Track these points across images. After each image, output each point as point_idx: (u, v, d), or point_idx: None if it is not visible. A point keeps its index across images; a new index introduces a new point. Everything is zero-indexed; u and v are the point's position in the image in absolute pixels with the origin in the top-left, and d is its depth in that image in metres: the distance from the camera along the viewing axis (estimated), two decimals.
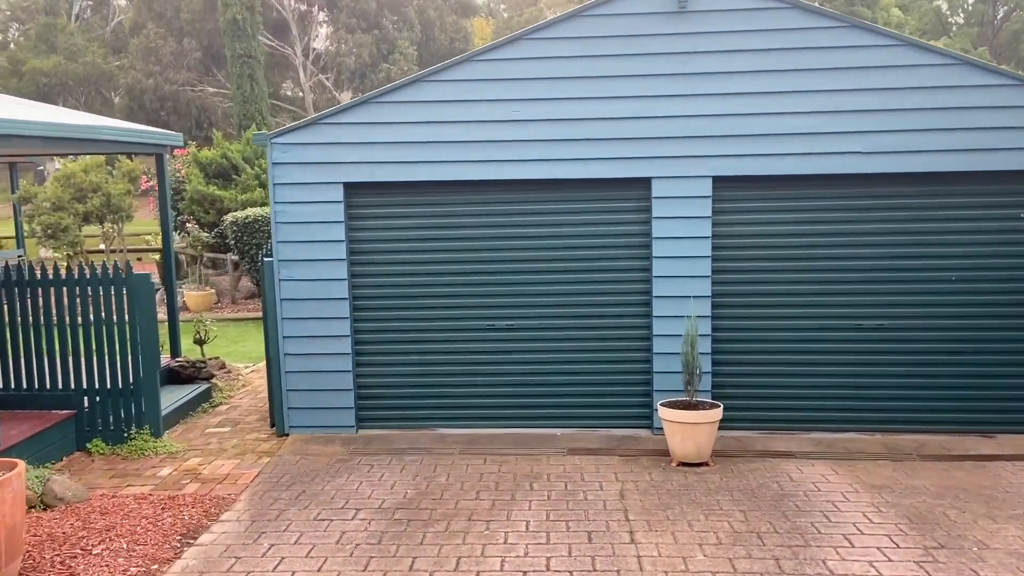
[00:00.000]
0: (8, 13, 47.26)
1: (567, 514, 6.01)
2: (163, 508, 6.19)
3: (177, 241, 18.85)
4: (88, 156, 19.60)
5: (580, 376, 7.94)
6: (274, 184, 7.78)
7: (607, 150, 7.50)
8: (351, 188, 7.82)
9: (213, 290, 17.32)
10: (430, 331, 8.00)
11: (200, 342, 10.49)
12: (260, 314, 12.92)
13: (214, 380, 9.88)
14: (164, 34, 32.98)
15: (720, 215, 7.60)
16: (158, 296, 17.57)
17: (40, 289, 7.71)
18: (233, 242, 16.37)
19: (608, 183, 7.67)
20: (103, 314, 7.69)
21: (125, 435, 7.74)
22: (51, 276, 7.70)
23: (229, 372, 10.74)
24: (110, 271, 7.70)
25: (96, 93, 34.73)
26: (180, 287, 17.51)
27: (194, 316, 11.21)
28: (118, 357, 7.73)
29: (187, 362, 9.59)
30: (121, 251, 19.23)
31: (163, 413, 8.31)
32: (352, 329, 7.95)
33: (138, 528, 5.78)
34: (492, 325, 7.95)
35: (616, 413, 7.96)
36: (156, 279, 7.93)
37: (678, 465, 7.00)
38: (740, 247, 7.68)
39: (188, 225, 17.70)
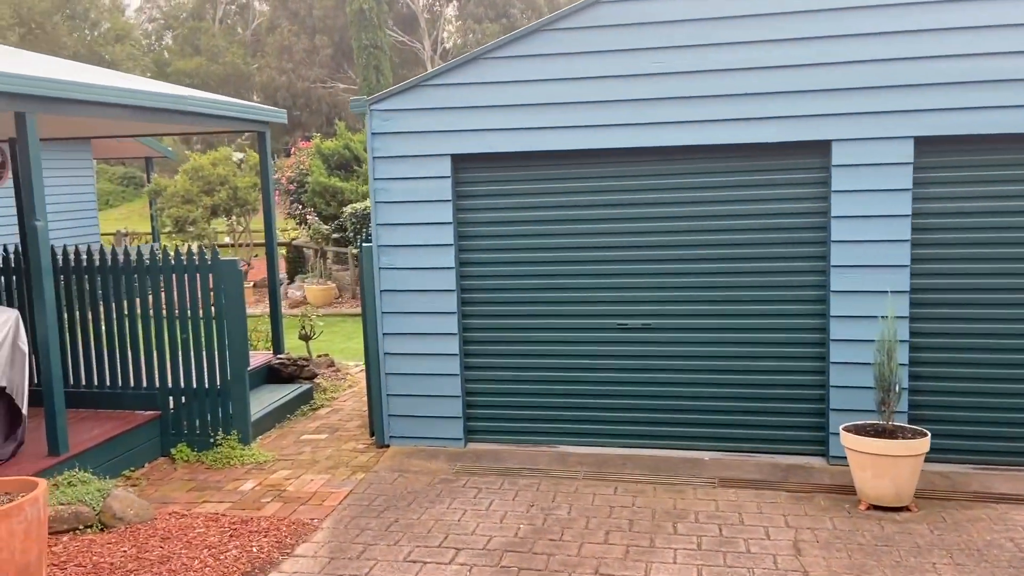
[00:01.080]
0: (162, 22, 49.89)
1: (725, 573, 4.59)
2: (232, 535, 5.23)
3: (302, 235, 18.54)
4: (216, 149, 19.66)
5: (733, 388, 6.45)
6: (373, 158, 6.74)
7: (773, 107, 5.98)
8: (460, 161, 6.67)
9: (334, 284, 16.79)
10: (550, 330, 6.73)
11: (305, 338, 9.69)
12: None
13: (317, 380, 9.04)
14: (297, 31, 33.43)
15: (924, 187, 5.92)
16: (283, 289, 17.38)
17: (122, 277, 7.01)
18: (352, 234, 15.77)
19: (773, 149, 6.15)
20: (188, 304, 6.91)
21: (211, 440, 6.92)
22: (133, 263, 6.99)
23: (337, 371, 9.90)
24: (195, 256, 6.90)
25: (235, 92, 35.71)
26: (302, 281, 17.14)
27: (302, 310, 10.48)
28: (204, 353, 6.93)
29: (288, 360, 8.77)
30: (247, 245, 19.16)
31: (258, 415, 7.50)
32: (460, 326, 6.80)
33: (196, 563, 4.83)
34: (624, 324, 6.60)
35: (780, 436, 6.41)
36: (243, 266, 7.05)
37: (868, 508, 5.42)
38: (950, 228, 5.96)
39: (309, 218, 17.28)
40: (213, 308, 6.89)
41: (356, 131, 20.33)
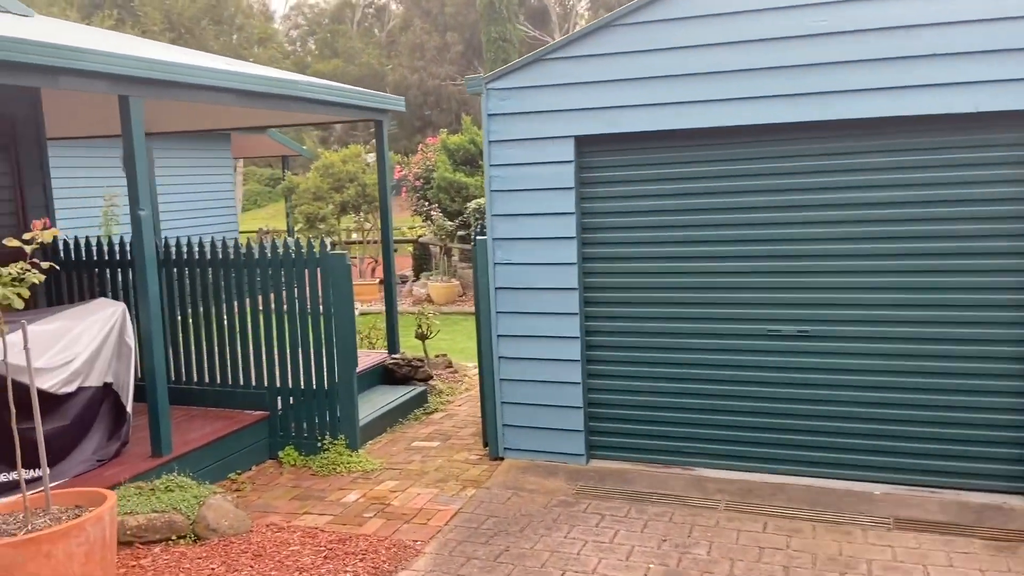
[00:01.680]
0: (306, 28, 51.84)
1: None
2: (327, 556, 4.73)
3: (427, 231, 18.34)
4: (348, 147, 19.82)
5: (910, 409, 5.40)
6: (489, 142, 6.12)
7: (963, 70, 4.90)
8: (585, 143, 5.95)
9: (458, 282, 16.46)
10: (688, 335, 5.89)
11: (422, 337, 9.25)
12: None
13: (433, 382, 8.55)
14: (429, 29, 33.64)
15: None
16: (407, 286, 17.23)
17: (231, 271, 6.72)
18: (475, 230, 15.34)
19: (965, 121, 5.06)
20: (296, 300, 6.54)
21: (319, 445, 6.53)
22: (242, 256, 6.68)
23: (455, 372, 9.40)
24: (303, 249, 6.52)
25: None
26: (427, 279, 16.92)
27: (418, 308, 10.06)
28: (312, 351, 6.54)
29: (403, 360, 8.33)
30: (374, 242, 19.18)
31: (368, 419, 7.07)
32: (583, 329, 6.07)
33: None
34: (776, 331, 5.67)
35: (969, 468, 5.30)
36: (349, 259, 6.62)
37: None
38: None
39: (433, 214, 17.01)
40: (321, 304, 6.49)
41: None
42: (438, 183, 17.04)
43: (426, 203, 17.94)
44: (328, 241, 17.82)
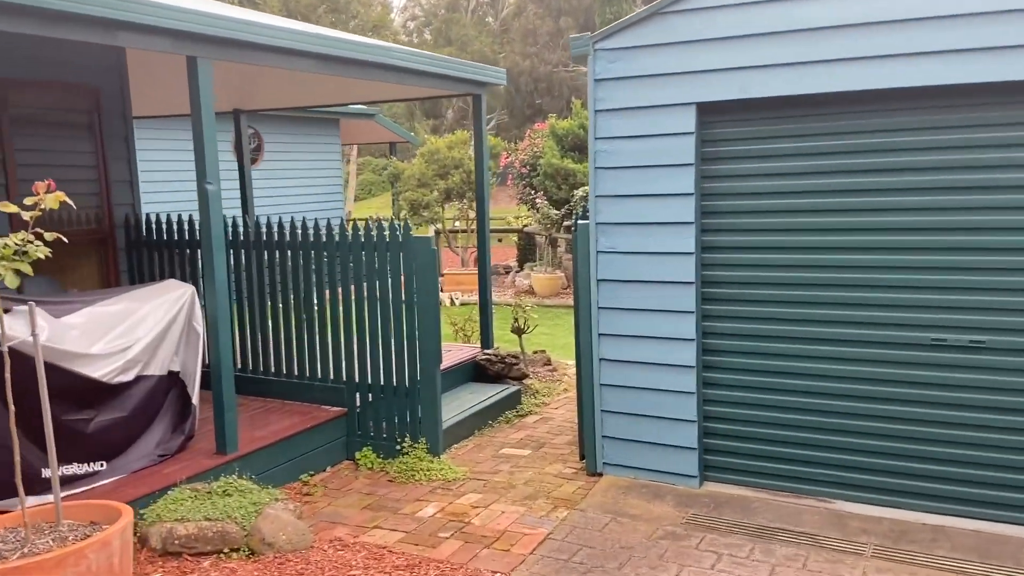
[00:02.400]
0: (423, 19, 52.20)
1: None
2: None
3: (532, 220, 17.66)
4: (454, 133, 19.35)
5: None
6: (595, 112, 5.31)
7: None
8: (708, 112, 5.05)
9: (562, 273, 15.69)
10: (827, 341, 4.91)
11: (518, 332, 8.53)
12: None
13: (529, 380, 7.83)
14: (542, 14, 32.92)
15: None
16: (510, 277, 16.62)
17: (307, 253, 6.20)
18: (577, 216, 14.53)
19: None
20: (377, 288, 5.95)
21: (398, 448, 5.93)
22: (321, 236, 6.15)
23: (554, 370, 8.66)
24: (385, 232, 5.92)
25: None
26: (530, 269, 16.27)
27: (515, 300, 9.35)
28: (393, 344, 5.94)
29: (495, 356, 7.64)
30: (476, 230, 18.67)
31: (454, 420, 6.44)
32: (699, 330, 5.19)
33: None
34: (941, 340, 4.61)
35: None
36: (434, 246, 5.96)
37: None
38: None
39: (539, 202, 16.28)
40: (403, 293, 5.87)
41: None
42: (544, 170, 16.30)
43: (532, 191, 17.24)
44: (433, 228, 17.47)
